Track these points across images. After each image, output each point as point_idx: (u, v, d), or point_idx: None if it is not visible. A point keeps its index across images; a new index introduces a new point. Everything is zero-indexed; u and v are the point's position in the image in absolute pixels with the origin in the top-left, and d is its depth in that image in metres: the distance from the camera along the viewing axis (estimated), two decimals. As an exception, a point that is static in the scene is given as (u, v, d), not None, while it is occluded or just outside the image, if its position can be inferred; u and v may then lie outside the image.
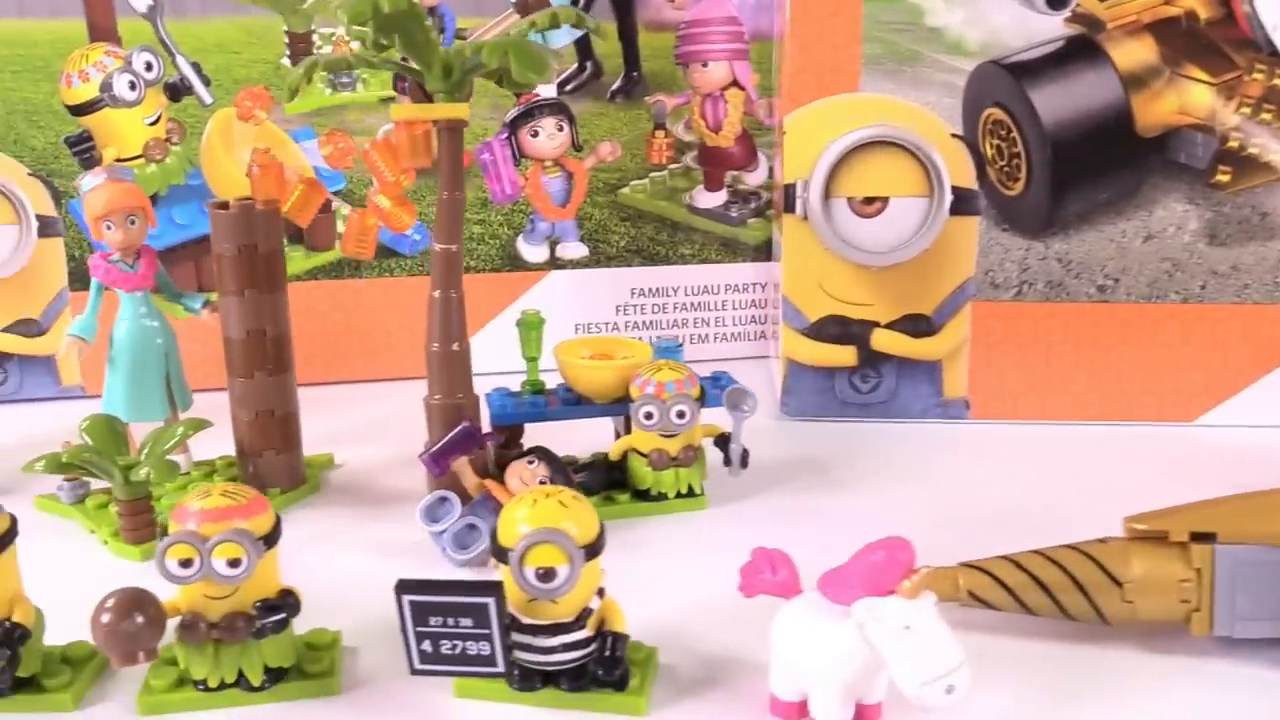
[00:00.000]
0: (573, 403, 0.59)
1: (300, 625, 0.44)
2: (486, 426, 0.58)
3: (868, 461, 0.65)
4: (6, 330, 0.76)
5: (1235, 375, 0.68)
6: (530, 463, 0.53)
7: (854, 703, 0.40)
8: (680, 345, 0.61)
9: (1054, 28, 0.65)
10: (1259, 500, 0.45)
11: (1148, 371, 0.68)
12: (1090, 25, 0.65)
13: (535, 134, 0.76)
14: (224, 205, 0.56)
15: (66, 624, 0.44)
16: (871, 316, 0.69)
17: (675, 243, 0.81)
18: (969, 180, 0.67)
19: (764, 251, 0.81)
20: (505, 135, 0.76)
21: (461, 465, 0.53)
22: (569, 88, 0.78)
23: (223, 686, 0.42)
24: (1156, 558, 0.44)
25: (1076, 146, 0.66)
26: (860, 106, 0.66)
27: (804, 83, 0.66)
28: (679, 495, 0.57)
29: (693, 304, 0.81)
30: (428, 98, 0.53)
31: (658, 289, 0.81)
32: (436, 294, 0.54)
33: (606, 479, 0.58)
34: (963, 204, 0.67)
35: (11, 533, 0.42)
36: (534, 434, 0.60)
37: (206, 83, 0.74)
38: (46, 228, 0.75)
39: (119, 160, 0.74)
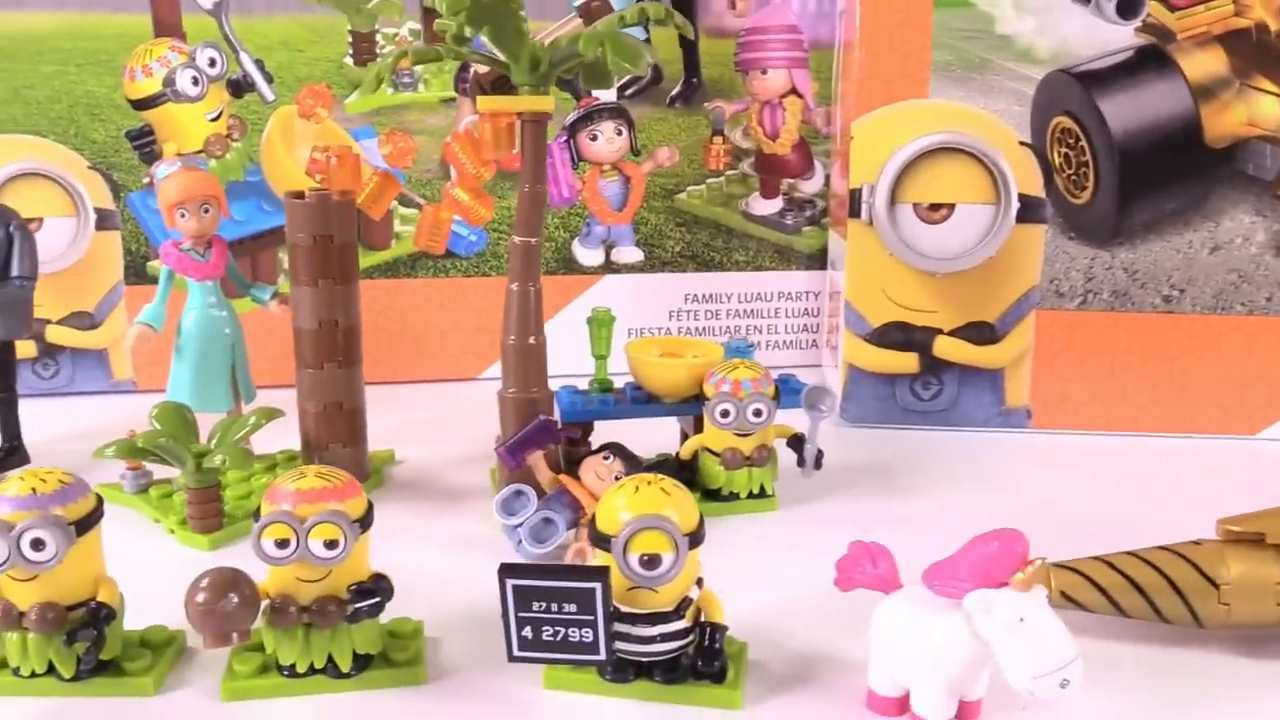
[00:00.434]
0: (642, 401, 0.59)
1: (380, 616, 0.43)
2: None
3: (931, 468, 0.64)
4: (60, 323, 0.75)
5: (1300, 389, 0.67)
6: (605, 458, 0.53)
7: (957, 698, 0.39)
8: (752, 346, 0.61)
9: (1124, 37, 0.65)
10: (1356, 505, 0.45)
11: (1212, 383, 0.68)
12: (1160, 35, 0.65)
13: (594, 138, 0.76)
14: (300, 195, 0.56)
15: (136, 611, 0.43)
16: (934, 323, 0.68)
17: (730, 249, 0.80)
18: (1036, 188, 0.67)
19: (818, 260, 0.81)
20: (564, 138, 0.76)
21: (536, 459, 0.53)
22: (629, 92, 0.78)
23: (310, 672, 0.41)
24: (1253, 560, 0.44)
25: (1144, 156, 0.66)
26: (928, 113, 0.66)
27: (872, 89, 0.66)
28: (750, 496, 0.57)
29: (746, 310, 0.81)
30: (501, 92, 0.53)
31: (711, 295, 0.81)
32: (515, 286, 0.54)
33: (676, 478, 0.57)
34: (1029, 212, 0.67)
35: (97, 512, 0.42)
36: (600, 434, 0.60)
37: (269, 80, 0.75)
38: (104, 221, 0.75)
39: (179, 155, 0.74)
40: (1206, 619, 0.44)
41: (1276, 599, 0.43)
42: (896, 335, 0.69)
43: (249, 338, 0.63)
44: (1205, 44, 0.65)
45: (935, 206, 0.67)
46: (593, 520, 0.40)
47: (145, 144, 0.74)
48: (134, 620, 0.44)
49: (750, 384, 0.55)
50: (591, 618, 0.37)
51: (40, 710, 0.41)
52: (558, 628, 0.38)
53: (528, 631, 0.38)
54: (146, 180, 0.75)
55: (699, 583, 0.41)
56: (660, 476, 0.41)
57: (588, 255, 0.79)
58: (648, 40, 0.77)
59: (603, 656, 0.38)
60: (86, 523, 0.41)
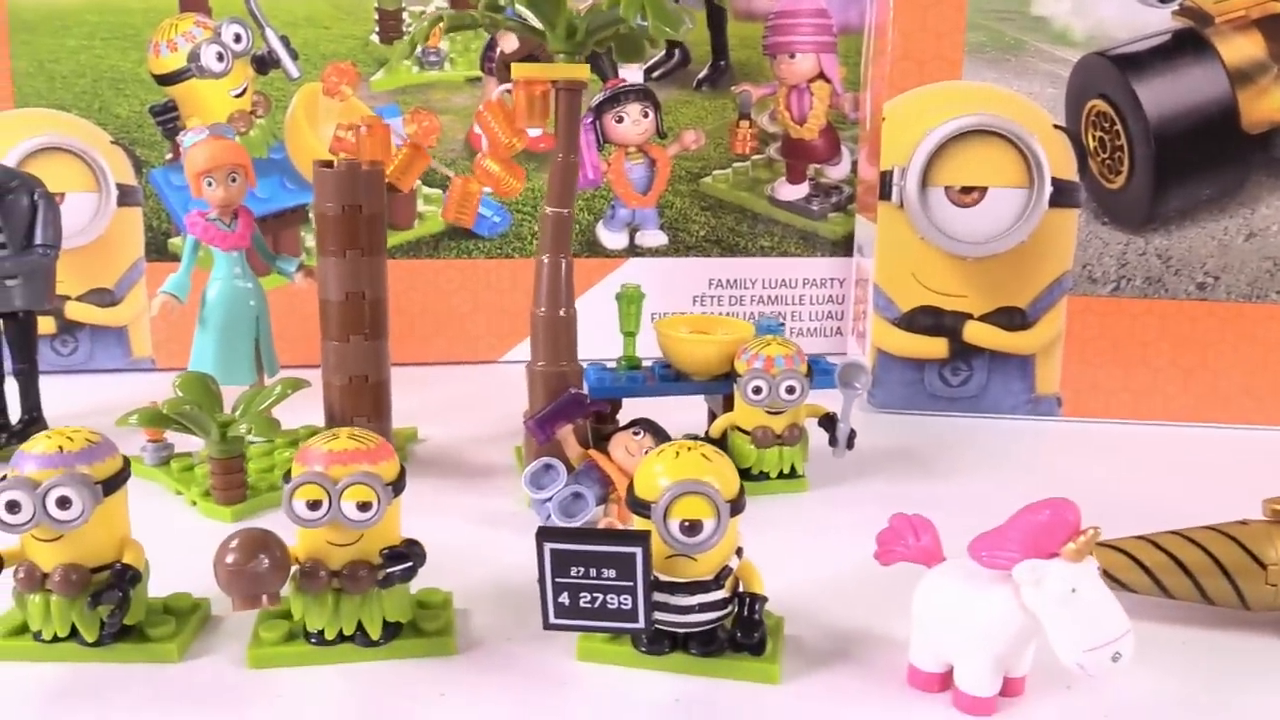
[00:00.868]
0: (671, 379, 0.58)
1: (409, 587, 0.42)
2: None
3: (961, 453, 0.63)
4: (80, 299, 0.75)
5: (1337, 379, 0.66)
6: (636, 433, 0.52)
7: (1002, 674, 0.38)
8: (783, 324, 0.60)
9: (1161, 21, 0.64)
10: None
11: (1246, 373, 0.67)
12: (1198, 19, 0.64)
13: (620, 119, 0.75)
14: (329, 164, 0.55)
15: (159, 581, 0.42)
16: (965, 308, 0.68)
17: (755, 234, 0.80)
18: (1070, 172, 0.66)
19: (843, 246, 0.80)
20: (590, 120, 0.75)
21: (565, 433, 0.52)
22: (656, 74, 0.77)
23: (339, 640, 0.40)
24: (1303, 541, 0.43)
25: (1180, 141, 0.65)
26: (961, 95, 0.65)
27: (905, 70, 0.66)
28: (781, 475, 0.56)
29: (770, 297, 0.80)
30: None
31: (736, 280, 0.80)
32: (546, 258, 0.53)
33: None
34: (1063, 196, 0.66)
35: (124, 474, 0.41)
36: (628, 412, 0.59)
37: (294, 56, 0.74)
38: (126, 197, 0.74)
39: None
40: (1253, 601, 0.43)
41: (1326, 581, 0.43)
42: (926, 320, 0.68)
43: (272, 317, 0.62)
44: (1243, 28, 0.64)
45: (967, 190, 0.66)
46: (630, 487, 0.39)
47: (169, 119, 0.74)
48: (157, 590, 0.43)
49: (783, 360, 0.54)
50: (631, 584, 0.37)
51: (63, 676, 0.40)
52: (596, 594, 0.37)
53: (565, 598, 0.37)
54: (170, 156, 0.74)
55: (738, 553, 0.40)
56: (700, 443, 0.40)
57: (612, 238, 0.78)
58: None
59: (642, 625, 0.37)
60: (113, 483, 0.40)
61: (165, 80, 0.73)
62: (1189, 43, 0.64)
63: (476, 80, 0.76)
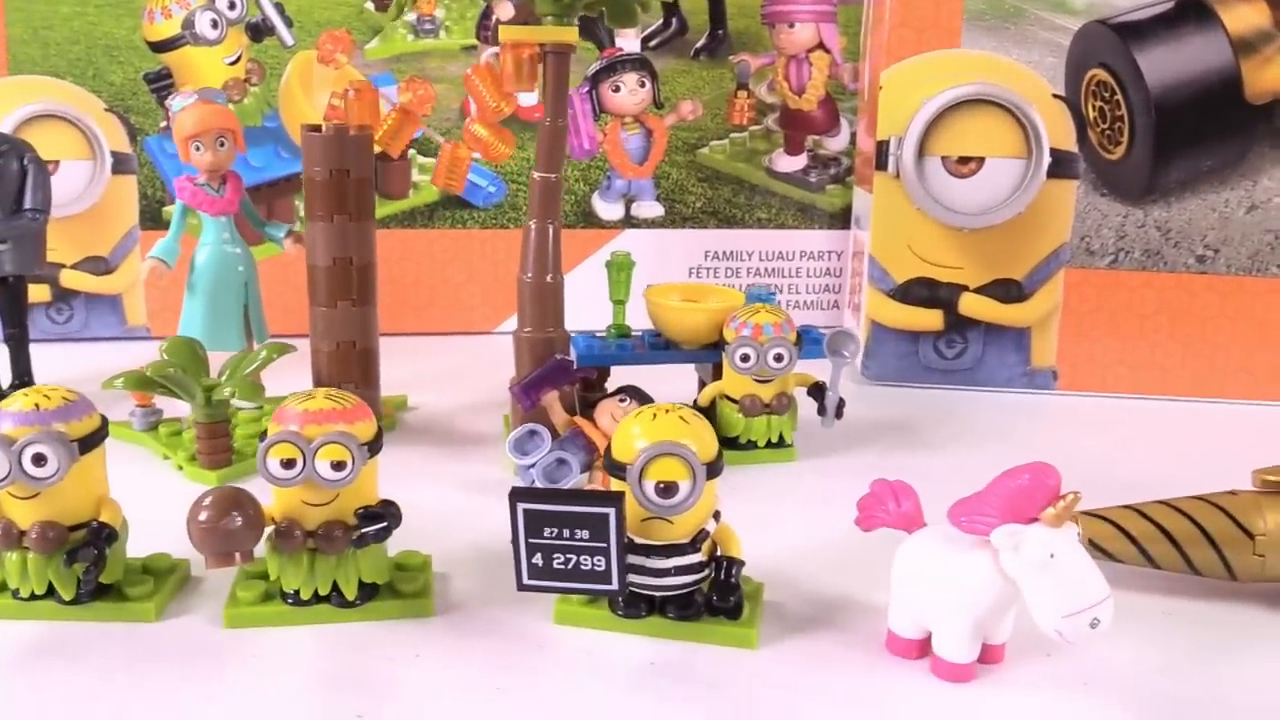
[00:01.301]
0: (660, 347, 0.58)
1: (389, 549, 0.42)
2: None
3: (953, 426, 0.63)
4: (74, 267, 0.75)
5: (1337, 355, 0.65)
6: (622, 400, 0.52)
7: (981, 641, 0.38)
8: (774, 293, 0.59)
9: (1164, -12, 0.63)
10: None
11: (1245, 347, 0.66)
12: (1202, -13, 0.63)
13: (616, 89, 0.74)
14: (316, 128, 0.55)
15: (139, 542, 0.42)
16: (960, 280, 0.67)
17: (752, 206, 0.79)
18: (1069, 143, 0.65)
19: (841, 219, 0.79)
20: (586, 89, 0.74)
21: (551, 400, 0.52)
22: (653, 43, 0.77)
23: (315, 600, 0.40)
24: (1291, 511, 0.42)
25: (1182, 111, 0.64)
26: (959, 63, 0.64)
27: (903, 37, 0.65)
28: (769, 445, 0.55)
29: (767, 269, 0.80)
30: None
31: (732, 252, 0.79)
32: (533, 224, 0.53)
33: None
34: (1061, 167, 0.65)
35: (101, 432, 0.41)
36: (616, 380, 0.59)
37: (289, 24, 0.74)
38: (120, 164, 0.74)
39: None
40: (1240, 571, 0.42)
41: (1314, 552, 0.42)
42: (921, 291, 0.67)
43: (265, 286, 0.62)
44: (1248, -4, 0.63)
45: (964, 160, 0.65)
46: (608, 449, 0.39)
47: (163, 87, 0.74)
48: (138, 552, 0.43)
49: (772, 328, 0.53)
50: (604, 545, 0.36)
51: (40, 634, 0.40)
52: (569, 555, 0.37)
53: (538, 559, 0.37)
54: (164, 124, 0.74)
55: (716, 516, 0.40)
56: (679, 405, 0.39)
57: (607, 209, 0.78)
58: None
59: (615, 586, 0.37)
60: (90, 441, 0.40)
61: (159, 47, 0.73)
62: (1192, 11, 0.63)
63: (472, 49, 0.75)
